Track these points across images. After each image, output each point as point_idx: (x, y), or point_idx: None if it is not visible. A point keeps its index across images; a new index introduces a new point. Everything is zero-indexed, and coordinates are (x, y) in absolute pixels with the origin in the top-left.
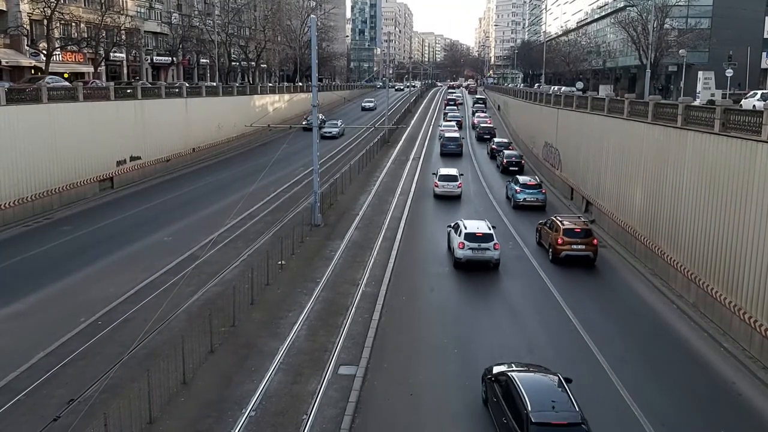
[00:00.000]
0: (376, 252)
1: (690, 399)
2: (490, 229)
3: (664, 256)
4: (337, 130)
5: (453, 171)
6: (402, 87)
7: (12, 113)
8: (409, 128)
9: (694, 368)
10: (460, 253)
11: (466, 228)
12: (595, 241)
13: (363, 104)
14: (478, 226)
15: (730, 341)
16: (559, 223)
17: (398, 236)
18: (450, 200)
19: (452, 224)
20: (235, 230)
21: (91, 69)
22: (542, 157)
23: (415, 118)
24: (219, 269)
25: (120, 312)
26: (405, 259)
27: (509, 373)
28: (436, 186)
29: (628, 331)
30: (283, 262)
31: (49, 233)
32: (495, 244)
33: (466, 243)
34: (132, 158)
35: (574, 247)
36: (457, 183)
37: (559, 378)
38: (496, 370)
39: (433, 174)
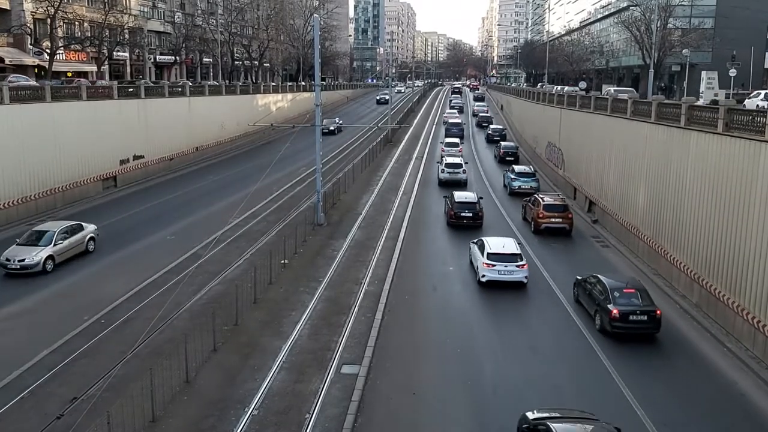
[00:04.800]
0: (378, 251)
1: (693, 399)
2: (461, 162)
3: (668, 256)
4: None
5: (456, 140)
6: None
7: (15, 112)
8: (411, 128)
9: (697, 368)
10: (441, 176)
11: (446, 160)
12: (570, 215)
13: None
14: (454, 159)
15: (734, 341)
16: (540, 200)
17: (401, 235)
18: None
19: (438, 159)
20: (238, 229)
21: (95, 68)
22: (545, 157)
23: (418, 117)
24: (222, 268)
25: (123, 310)
26: (407, 259)
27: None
28: (443, 151)
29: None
30: (286, 261)
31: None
32: (464, 170)
33: (446, 169)
34: (135, 157)
35: (553, 220)
36: (458, 149)
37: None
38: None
39: (441, 143)
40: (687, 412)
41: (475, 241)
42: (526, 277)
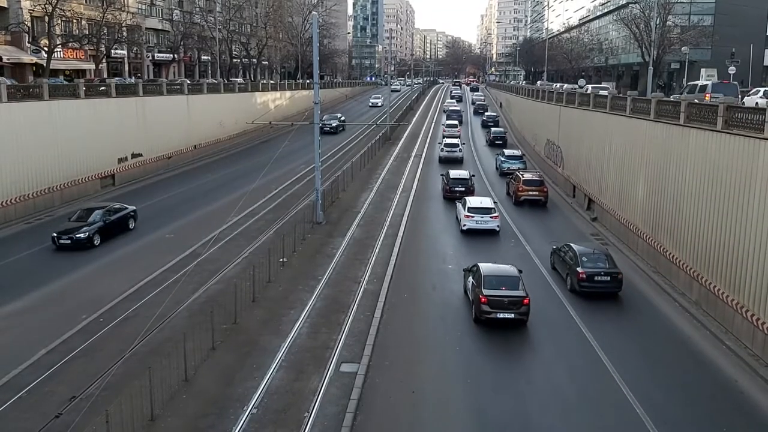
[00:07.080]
0: (377, 250)
1: (692, 397)
2: (458, 142)
3: (667, 254)
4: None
5: (455, 122)
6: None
7: (13, 110)
8: (410, 126)
9: (696, 366)
10: (441, 154)
11: (445, 140)
12: (545, 189)
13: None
14: (452, 140)
15: (733, 339)
16: (520, 176)
17: (400, 234)
18: None
19: (440, 140)
20: (237, 227)
21: (93, 66)
22: (544, 155)
23: (417, 115)
24: (220, 266)
25: (121, 309)
26: (406, 257)
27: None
28: (444, 131)
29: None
30: (285, 259)
31: (50, 230)
32: (460, 149)
33: (444, 148)
34: (133, 155)
35: (531, 192)
36: (457, 129)
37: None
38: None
39: (442, 125)
40: (687, 408)
41: (460, 201)
42: (498, 226)
